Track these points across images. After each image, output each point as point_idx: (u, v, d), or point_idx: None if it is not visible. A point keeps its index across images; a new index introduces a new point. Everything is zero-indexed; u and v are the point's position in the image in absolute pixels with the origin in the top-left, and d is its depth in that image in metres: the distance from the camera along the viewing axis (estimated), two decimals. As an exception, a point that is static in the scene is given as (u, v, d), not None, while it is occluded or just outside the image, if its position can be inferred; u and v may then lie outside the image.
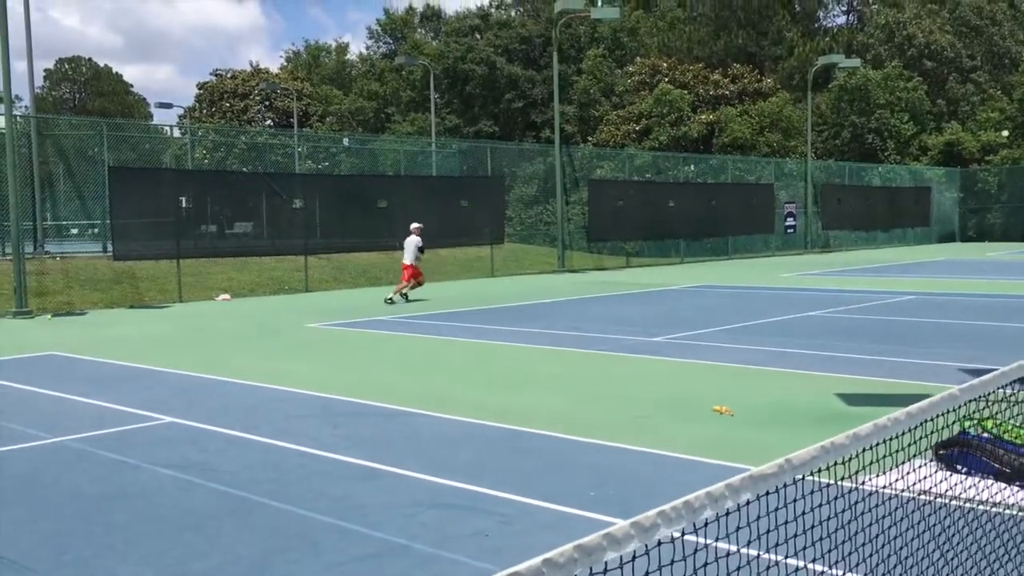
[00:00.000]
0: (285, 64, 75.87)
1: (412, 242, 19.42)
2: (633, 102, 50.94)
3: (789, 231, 39.68)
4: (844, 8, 66.70)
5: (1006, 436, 5.41)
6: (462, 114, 58.39)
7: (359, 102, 63.01)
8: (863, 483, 2.75)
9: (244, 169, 31.37)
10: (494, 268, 27.71)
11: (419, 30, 70.58)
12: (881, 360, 10.53)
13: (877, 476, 2.82)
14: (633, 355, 11.34)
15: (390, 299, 19.02)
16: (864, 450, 2.65)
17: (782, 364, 10.39)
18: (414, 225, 19.84)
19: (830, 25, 65.21)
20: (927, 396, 9.08)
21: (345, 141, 35.93)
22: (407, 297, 19.44)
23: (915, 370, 9.86)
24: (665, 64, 51.43)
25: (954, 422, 4.09)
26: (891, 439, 2.81)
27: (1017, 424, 5.45)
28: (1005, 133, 49.47)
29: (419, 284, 19.69)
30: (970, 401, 3.34)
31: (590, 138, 50.93)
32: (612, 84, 54.20)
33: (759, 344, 11.95)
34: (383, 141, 41.39)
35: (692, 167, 38.03)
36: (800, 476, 2.40)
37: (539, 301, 19.08)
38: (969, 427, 6.25)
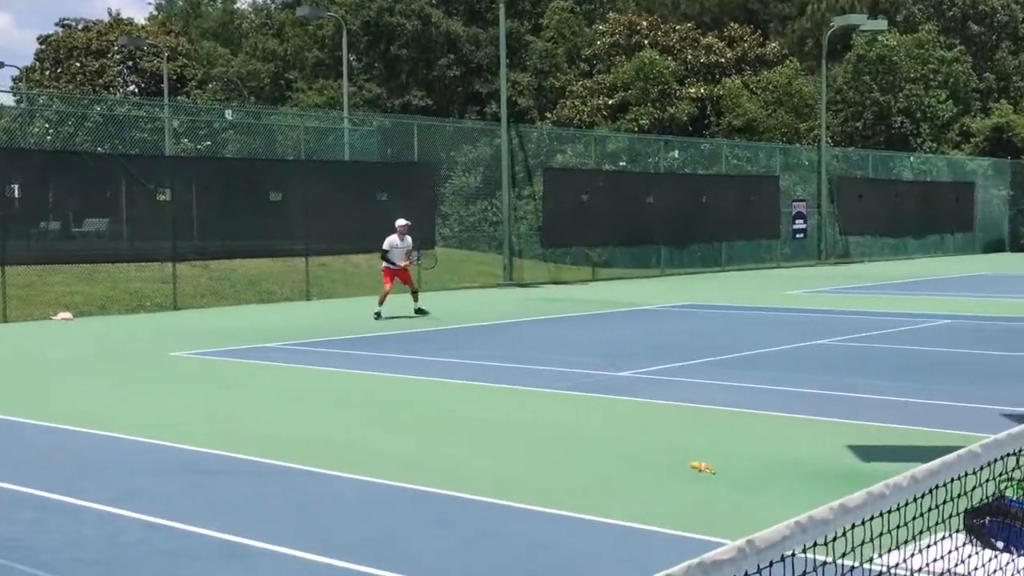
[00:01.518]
0: (155, 14, 75.11)
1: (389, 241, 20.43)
2: (603, 70, 51.26)
3: (799, 236, 40.15)
4: (869, -44, 67.97)
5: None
6: (385, 82, 58.26)
7: (252, 64, 62.51)
8: (853, 568, 2.69)
9: (98, 149, 30.85)
10: (422, 280, 27.54)
11: (330, -27, 70.29)
12: (906, 402, 10.63)
13: (875, 556, 2.76)
14: (592, 394, 11.32)
15: (419, 309, 20.20)
16: (854, 525, 2.59)
17: (782, 407, 10.42)
18: (400, 222, 20.60)
19: (852, -22, 66.45)
20: (957, 447, 9.11)
21: (228, 114, 35.61)
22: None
23: (949, 415, 9.95)
24: (645, 23, 51.90)
25: (987, 480, 4.07)
26: (896, 509, 2.76)
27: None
28: None
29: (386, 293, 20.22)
30: (1000, 458, 3.31)
31: (549, 115, 51.14)
32: (579, 47, 54.51)
33: (754, 380, 12.01)
34: (281, 115, 41.11)
35: (677, 153, 38.34)
36: (768, 562, 2.33)
37: (477, 324, 19.02)
38: (1008, 490, 6.28)
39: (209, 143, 34.45)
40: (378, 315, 19.55)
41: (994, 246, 49.84)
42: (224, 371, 13.60)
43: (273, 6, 71.02)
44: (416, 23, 57.01)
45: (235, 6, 76.84)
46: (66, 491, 7.39)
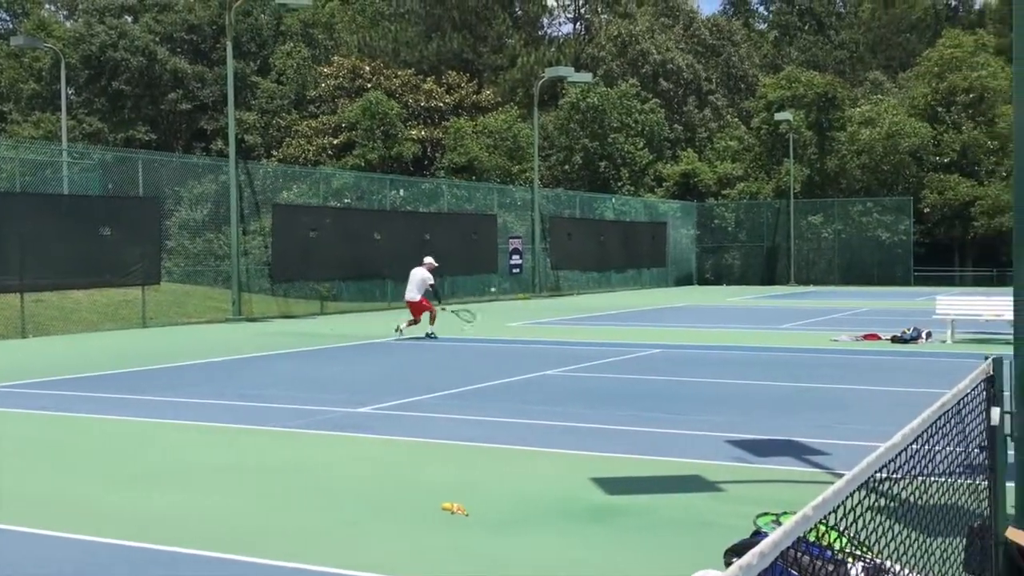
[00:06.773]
0: None
1: (419, 275, 21.68)
2: (328, 112, 50.42)
3: (515, 271, 40.66)
4: (571, 16, 70.63)
5: (812, 536, 5.13)
6: (108, 116, 54.97)
7: (-38, 94, 57.49)
8: None
9: None
10: (147, 316, 25.75)
11: (47, 5, 65.98)
12: (635, 431, 10.44)
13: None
14: (331, 432, 10.49)
15: (430, 333, 21.48)
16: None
17: (521, 440, 9.99)
18: (427, 259, 22.52)
19: (556, 34, 68.82)
20: (695, 476, 8.66)
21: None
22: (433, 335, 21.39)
23: (674, 443, 9.82)
24: (368, 67, 51.47)
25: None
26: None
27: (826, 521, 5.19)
28: None
29: (416, 321, 21.77)
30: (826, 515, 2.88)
31: (275, 152, 49.74)
32: (305, 88, 53.48)
33: (490, 413, 11.55)
34: (-6, 146, 37.60)
35: (401, 192, 37.99)
36: None
37: (205, 360, 17.72)
38: (764, 524, 6.00)
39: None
40: (399, 329, 21.30)
41: (684, 280, 52.61)
42: (-77, 418, 11.78)
43: (-14, 36, 65.76)
44: (141, 59, 54.15)
45: (-56, 34, 70.69)
46: None
